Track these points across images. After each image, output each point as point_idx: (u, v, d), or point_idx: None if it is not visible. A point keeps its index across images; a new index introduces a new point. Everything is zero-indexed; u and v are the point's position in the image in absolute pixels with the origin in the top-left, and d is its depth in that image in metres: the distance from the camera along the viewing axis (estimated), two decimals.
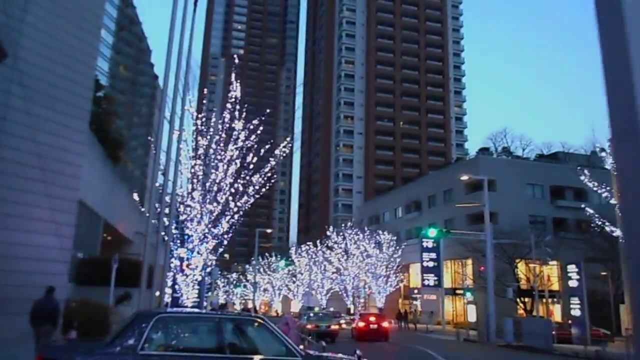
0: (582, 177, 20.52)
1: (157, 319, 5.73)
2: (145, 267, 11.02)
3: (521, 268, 36.18)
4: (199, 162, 14.18)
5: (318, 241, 55.06)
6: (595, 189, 19.92)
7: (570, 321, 30.59)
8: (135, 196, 23.15)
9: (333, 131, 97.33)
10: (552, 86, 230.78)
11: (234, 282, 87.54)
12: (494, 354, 19.75)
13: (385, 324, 25.40)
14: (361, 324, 24.36)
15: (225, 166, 14.29)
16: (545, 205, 42.99)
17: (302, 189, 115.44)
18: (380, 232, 45.04)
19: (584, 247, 33.46)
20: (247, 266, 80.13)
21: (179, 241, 14.67)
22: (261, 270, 70.47)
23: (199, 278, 14.79)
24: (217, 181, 14.20)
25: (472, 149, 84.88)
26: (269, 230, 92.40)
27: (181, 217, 14.55)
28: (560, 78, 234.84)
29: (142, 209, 15.28)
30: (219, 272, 52.87)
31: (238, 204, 14.72)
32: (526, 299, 35.25)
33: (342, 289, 51.64)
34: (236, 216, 15.24)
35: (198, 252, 14.41)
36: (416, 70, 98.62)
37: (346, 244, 48.40)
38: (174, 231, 14.83)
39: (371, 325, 24.10)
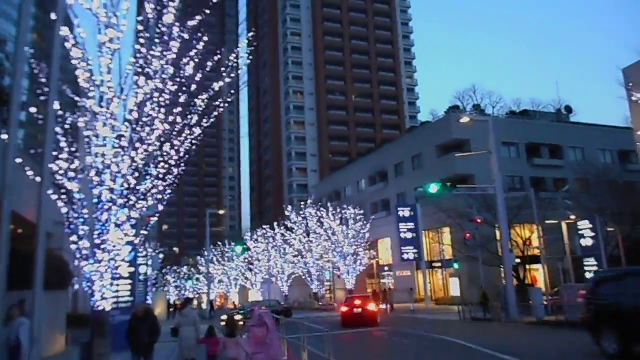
0: None
1: None
2: (39, 256, 5.82)
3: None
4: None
5: (275, 224, 50.17)
6: None
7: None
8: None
9: (282, 108, 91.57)
10: (514, 44, 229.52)
11: (185, 276, 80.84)
12: (542, 336, 14.70)
13: (371, 307, 21.94)
14: (344, 309, 21.67)
15: (164, 78, 8.70)
16: (522, 164, 40.10)
17: (253, 172, 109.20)
18: (345, 206, 40.51)
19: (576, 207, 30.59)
20: (198, 258, 73.83)
21: (84, 211, 9.15)
22: (214, 260, 64.52)
23: (122, 265, 9.30)
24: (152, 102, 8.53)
25: (425, 119, 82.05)
26: (221, 212, 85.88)
27: (92, 162, 8.92)
28: (520, 36, 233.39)
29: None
30: (160, 261, 45.74)
31: (181, 142, 9.23)
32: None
33: (306, 272, 47.21)
34: (175, 170, 9.85)
35: (116, 224, 8.95)
36: (365, 41, 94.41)
37: (307, 224, 43.86)
38: (76, 195, 9.25)
39: (355, 310, 21.28)
